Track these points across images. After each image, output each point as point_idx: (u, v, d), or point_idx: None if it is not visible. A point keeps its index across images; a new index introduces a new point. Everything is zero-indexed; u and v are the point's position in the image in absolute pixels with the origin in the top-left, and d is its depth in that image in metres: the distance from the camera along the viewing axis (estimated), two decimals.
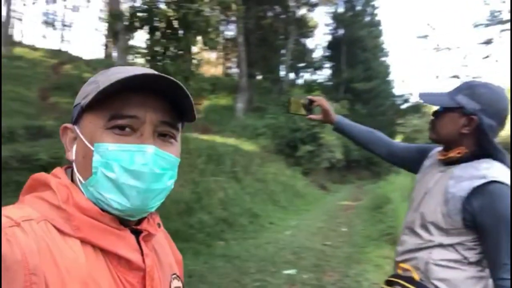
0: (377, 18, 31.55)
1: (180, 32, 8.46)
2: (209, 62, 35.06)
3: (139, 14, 8.04)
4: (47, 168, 6.15)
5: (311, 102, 1.94)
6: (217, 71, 34.36)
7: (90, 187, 0.68)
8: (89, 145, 0.68)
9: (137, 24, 8.34)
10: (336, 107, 17.81)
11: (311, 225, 9.47)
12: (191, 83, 8.47)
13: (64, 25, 32.50)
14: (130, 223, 0.73)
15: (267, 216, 9.82)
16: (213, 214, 8.35)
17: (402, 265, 1.57)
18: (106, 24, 13.24)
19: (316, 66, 31.75)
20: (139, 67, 0.74)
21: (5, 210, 0.62)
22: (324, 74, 33.04)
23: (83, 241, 0.65)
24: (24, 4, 32.90)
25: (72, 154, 0.73)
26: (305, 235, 8.31)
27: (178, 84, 0.68)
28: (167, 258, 0.83)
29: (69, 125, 0.74)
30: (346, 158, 19.76)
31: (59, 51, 26.69)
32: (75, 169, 0.72)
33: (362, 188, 19.39)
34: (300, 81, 29.05)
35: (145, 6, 8.20)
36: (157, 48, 8.31)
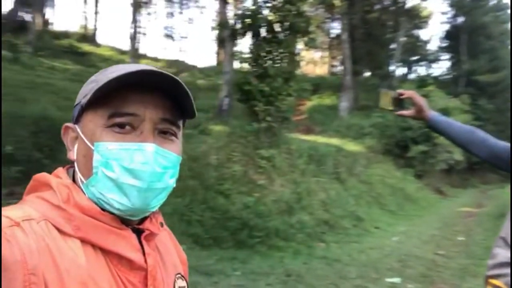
0: (503, 1, 27.66)
1: (282, 34, 8.60)
2: (314, 61, 34.90)
3: (243, 20, 8.40)
4: None
5: (401, 96, 1.78)
6: (323, 70, 34.01)
7: (91, 187, 0.68)
8: (89, 144, 0.67)
9: (241, 30, 8.72)
10: (456, 102, 16.13)
11: (422, 232, 8.72)
12: (292, 84, 8.54)
13: (181, 37, 35.73)
14: (132, 223, 0.72)
15: (372, 220, 9.35)
16: (314, 215, 8.27)
17: (492, 281, 1.35)
18: (216, 33, 14.10)
19: (431, 59, 29.18)
20: (139, 64, 0.72)
21: (6, 210, 0.62)
22: (440, 67, 30.18)
23: (84, 241, 0.64)
24: (149, 20, 37.04)
25: (73, 154, 0.72)
26: (414, 242, 7.69)
27: (177, 80, 0.67)
28: (171, 258, 0.82)
29: (70, 124, 0.73)
30: (467, 159, 17.71)
31: (177, 61, 29.39)
32: (76, 169, 0.71)
33: (487, 193, 17.20)
34: (412, 76, 27.05)
35: (249, 13, 8.53)
36: (259, 52, 8.57)
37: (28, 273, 0.56)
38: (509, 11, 26.42)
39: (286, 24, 7.94)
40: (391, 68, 22.99)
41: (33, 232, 0.59)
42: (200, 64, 28.77)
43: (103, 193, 0.66)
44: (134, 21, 22.70)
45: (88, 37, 26.95)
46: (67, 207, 0.65)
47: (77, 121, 0.71)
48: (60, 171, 0.72)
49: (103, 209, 0.68)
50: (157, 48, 57.25)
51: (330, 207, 8.86)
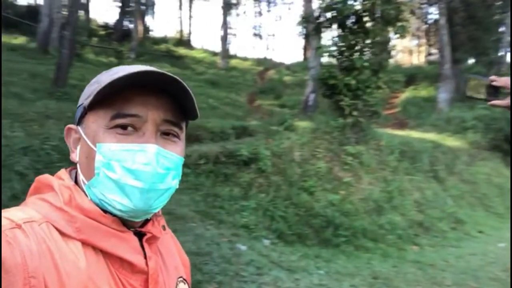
0: None
1: (369, 24, 8.17)
2: (409, 50, 32.63)
3: (327, 13, 8.18)
4: (248, 162, 7.00)
5: (492, 83, 1.54)
6: (419, 59, 31.64)
7: (93, 188, 0.67)
8: (91, 145, 0.67)
9: (325, 23, 8.50)
10: None
11: None
12: (381, 75, 8.07)
13: (269, 35, 36.31)
14: (134, 225, 0.72)
15: (474, 223, 8.43)
16: (407, 216, 7.74)
17: None
18: (301, 28, 14.00)
19: None
20: (141, 65, 0.71)
21: (7, 212, 0.62)
22: None
23: (85, 244, 0.64)
24: (238, 21, 38.26)
25: (76, 155, 0.72)
26: None
27: (178, 81, 0.67)
28: (173, 261, 0.81)
29: (73, 126, 0.74)
30: None
31: (265, 59, 29.92)
32: (79, 170, 0.71)
33: None
34: None
35: (334, 4, 8.27)
36: (345, 44, 8.26)
37: (28, 276, 0.56)
38: None
39: (374, 12, 7.52)
40: (499, 54, 20.42)
41: (34, 234, 0.59)
42: (288, 61, 28.82)
43: (105, 194, 0.66)
44: (224, 23, 23.65)
45: (184, 41, 28.81)
46: (68, 208, 0.65)
47: (79, 122, 0.72)
48: (63, 172, 0.72)
49: (105, 211, 0.67)
50: (247, 47, 59.15)
51: (425, 207, 8.20)
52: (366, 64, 7.90)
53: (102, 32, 24.88)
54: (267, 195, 6.68)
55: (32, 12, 18.17)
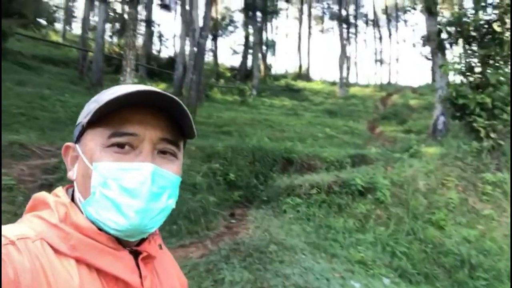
0: None
1: (503, 35, 7.13)
2: None
3: (448, 29, 7.44)
4: (364, 192, 6.58)
5: None
6: None
7: (88, 207, 0.67)
8: (88, 164, 0.68)
9: (450, 39, 7.74)
10: None
11: None
12: None
13: (391, 60, 34.76)
14: (130, 244, 0.70)
15: None
16: None
17: None
18: (423, 47, 13.00)
19: None
20: (141, 85, 0.71)
21: (2, 228, 0.62)
22: None
23: (79, 261, 0.63)
24: (356, 49, 37.67)
25: (73, 174, 0.72)
26: None
27: (175, 100, 0.67)
28: (170, 281, 0.79)
29: (71, 144, 0.74)
30: None
31: (388, 84, 28.57)
32: (75, 188, 0.71)
33: None
34: None
35: (458, 18, 7.50)
36: (475, 59, 7.34)
37: None
38: None
39: (508, 21, 6.52)
40: None
41: (27, 251, 0.59)
42: (415, 84, 26.91)
43: (100, 213, 0.66)
44: (342, 52, 23.56)
45: (302, 75, 29.57)
46: (64, 225, 0.65)
47: (78, 140, 0.72)
48: (59, 190, 0.72)
49: (100, 229, 0.67)
50: (368, 74, 57.50)
51: None
52: (502, 79, 6.83)
53: (228, 74, 27.25)
54: (387, 228, 6.11)
55: (172, 62, 20.96)
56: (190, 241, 5.00)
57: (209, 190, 6.39)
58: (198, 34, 12.04)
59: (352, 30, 28.71)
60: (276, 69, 33.60)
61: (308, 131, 13.70)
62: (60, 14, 25.48)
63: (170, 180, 0.70)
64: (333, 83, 26.34)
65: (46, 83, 12.76)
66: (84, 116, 0.71)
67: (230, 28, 28.11)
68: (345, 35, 25.77)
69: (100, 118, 0.67)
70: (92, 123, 0.68)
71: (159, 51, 28.49)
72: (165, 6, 22.06)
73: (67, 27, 26.46)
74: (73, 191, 0.73)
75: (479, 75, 7.31)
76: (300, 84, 25.75)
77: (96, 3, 16.52)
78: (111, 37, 22.84)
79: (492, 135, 7.17)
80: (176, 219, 5.25)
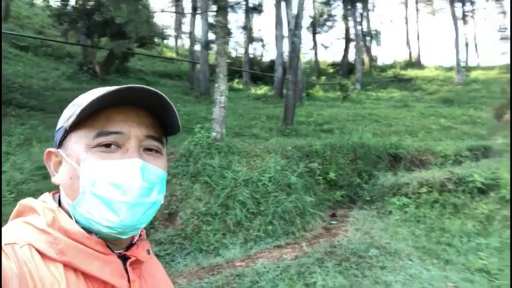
0: None
1: None
2: None
3: None
4: (485, 190, 5.69)
5: None
6: None
7: (78, 208, 0.67)
8: (75, 165, 0.67)
9: None
10: None
11: None
12: None
13: None
14: (119, 244, 0.72)
15: None
16: None
17: None
18: None
19: None
20: (121, 86, 0.68)
21: None
22: None
23: (67, 266, 0.63)
24: (476, 28, 33.31)
25: (58, 178, 0.72)
26: None
27: (159, 94, 0.67)
28: (158, 287, 0.79)
29: (52, 149, 0.73)
30: None
31: None
32: (62, 192, 0.71)
33: None
34: None
35: None
36: None
37: None
38: None
39: None
40: None
41: (15, 256, 0.59)
42: None
43: (92, 212, 0.66)
44: (457, 33, 21.07)
45: (413, 63, 27.31)
46: (51, 230, 0.64)
47: (60, 145, 0.72)
48: (46, 195, 0.72)
49: (91, 231, 0.67)
50: (493, 55, 49.93)
51: None
52: None
53: (331, 70, 26.62)
54: None
55: (273, 65, 21.33)
56: (286, 242, 4.91)
57: (306, 190, 6.22)
58: (292, 32, 11.95)
59: (468, 7, 25.40)
60: (383, 60, 31.69)
61: (419, 124, 12.51)
62: (171, 31, 28.01)
63: (158, 175, 0.70)
64: (450, 69, 23.69)
65: None
66: (65, 120, 0.71)
67: (329, 23, 27.36)
68: (459, 14, 22.98)
69: (83, 120, 0.67)
70: (75, 126, 0.68)
71: (261, 56, 29.26)
72: (254, 9, 22.53)
73: (179, 43, 28.96)
74: (59, 196, 0.74)
75: None
76: (411, 72, 23.78)
77: (198, 16, 17.67)
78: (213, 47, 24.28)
79: None
80: (272, 219, 5.22)
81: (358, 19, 23.78)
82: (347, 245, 4.54)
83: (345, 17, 24.83)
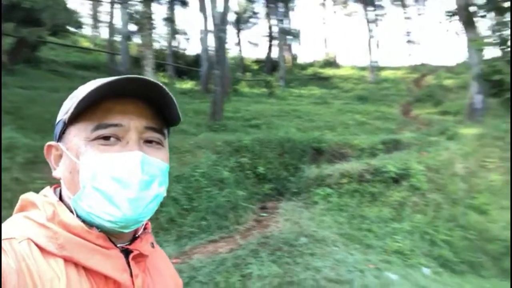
0: None
1: None
2: None
3: (478, 2, 6.96)
4: (398, 179, 6.31)
5: None
6: None
7: (80, 202, 0.66)
8: (75, 159, 0.66)
9: (480, 11, 7.25)
10: None
11: None
12: None
13: (422, 39, 33.31)
14: (121, 239, 0.70)
15: None
16: None
17: None
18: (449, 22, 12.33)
19: None
20: (120, 76, 0.68)
21: None
22: None
23: (67, 261, 0.62)
24: (384, 31, 36.39)
25: (59, 172, 0.71)
26: None
27: (157, 84, 0.66)
28: (163, 281, 0.78)
29: (53, 143, 0.73)
30: None
31: (421, 65, 27.41)
32: (63, 186, 0.70)
33: None
34: None
35: None
36: (507, 32, 6.84)
37: None
38: None
39: None
40: None
41: (13, 251, 0.58)
42: (450, 63, 25.61)
43: (93, 206, 0.65)
44: (370, 35, 22.83)
45: (330, 62, 28.92)
46: (51, 224, 0.64)
47: (60, 138, 0.71)
48: (47, 190, 0.72)
49: (93, 225, 0.66)
50: (400, 56, 55.30)
51: None
52: None
53: (255, 67, 27.11)
54: (425, 215, 5.82)
55: (198, 59, 21.09)
56: (220, 236, 4.97)
57: (237, 185, 6.33)
58: (218, 28, 11.95)
59: (379, 11, 27.66)
60: (303, 58, 33.12)
61: (338, 119, 13.38)
62: (88, 20, 26.27)
63: (159, 167, 0.69)
64: (363, 68, 25.59)
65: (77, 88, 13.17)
66: (64, 113, 0.70)
67: (253, 20, 27.86)
68: (371, 17, 24.92)
69: (82, 113, 0.66)
70: (74, 118, 0.67)
71: (185, 49, 28.76)
72: (182, 3, 22.12)
73: (96, 32, 27.22)
74: (60, 190, 0.73)
75: None
76: (329, 71, 25.21)
77: (117, 6, 16.80)
78: (134, 38, 23.23)
79: None
80: (205, 215, 5.23)
81: (280, 18, 24.53)
82: (278, 235, 4.73)
83: (267, 15, 25.45)
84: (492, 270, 5.19)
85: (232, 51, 27.24)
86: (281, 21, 24.39)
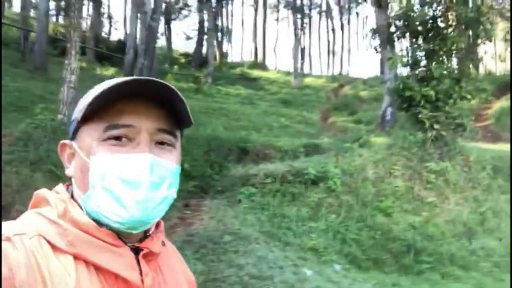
0: None
1: (447, 30, 7.51)
2: (502, 57, 29.54)
3: (397, 23, 7.72)
4: (317, 181, 6.72)
5: None
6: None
7: (89, 201, 0.67)
8: (86, 158, 0.68)
9: (398, 33, 8.03)
10: None
11: None
12: (464, 84, 7.30)
13: (343, 51, 35.71)
14: (131, 238, 0.71)
15: None
16: (505, 241, 6.74)
17: None
18: (372, 40, 13.48)
19: None
20: (133, 77, 0.69)
21: (1, 225, 0.63)
22: None
23: (77, 258, 0.63)
24: (310, 40, 38.28)
25: (71, 170, 0.72)
26: None
27: (169, 87, 0.66)
28: (175, 278, 0.78)
29: (67, 141, 0.74)
30: None
31: (340, 75, 29.33)
32: (74, 185, 0.72)
33: None
34: None
35: (404, 13, 7.78)
36: (421, 53, 7.68)
37: None
38: None
39: (451, 17, 6.87)
40: None
41: (23, 246, 0.59)
42: (366, 76, 27.83)
43: (102, 206, 0.66)
44: (296, 42, 23.80)
45: (258, 64, 29.54)
46: (62, 221, 0.65)
47: (73, 137, 0.72)
48: (59, 187, 0.73)
49: (102, 224, 0.67)
50: (322, 65, 58.76)
51: None
52: (445, 72, 7.22)
53: (183, 60, 26.61)
54: (338, 216, 6.30)
55: (122, 45, 20.09)
56: None
57: None
58: (150, 16, 11.55)
59: (306, 20, 29.05)
60: (232, 57, 33.32)
61: (263, 121, 13.76)
62: None
63: (169, 169, 0.70)
64: (288, 73, 26.60)
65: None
66: (78, 112, 0.70)
67: (184, 12, 27.38)
68: (299, 25, 26.01)
69: (94, 112, 0.66)
70: (87, 118, 0.67)
71: (108, 34, 27.19)
72: None
73: (6, 4, 24.45)
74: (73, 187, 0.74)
75: (424, 68, 7.67)
76: (256, 73, 25.74)
77: None
78: (56, 16, 21.39)
79: (436, 126, 7.57)
80: None
81: (212, 14, 24.41)
82: (203, 233, 4.78)
83: (200, 9, 25.16)
84: (394, 267, 5.80)
85: (159, 42, 26.41)
86: (213, 17, 24.27)
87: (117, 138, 0.67)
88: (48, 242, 0.62)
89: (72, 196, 0.71)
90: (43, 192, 0.71)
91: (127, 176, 0.65)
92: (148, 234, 0.74)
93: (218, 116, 12.68)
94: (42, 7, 14.00)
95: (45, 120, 5.86)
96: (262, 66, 28.86)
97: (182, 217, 5.74)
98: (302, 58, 27.44)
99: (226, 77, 23.13)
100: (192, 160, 7.84)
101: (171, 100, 0.68)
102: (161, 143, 0.70)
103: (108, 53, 20.54)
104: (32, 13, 17.96)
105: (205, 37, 25.20)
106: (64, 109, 6.19)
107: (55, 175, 5.09)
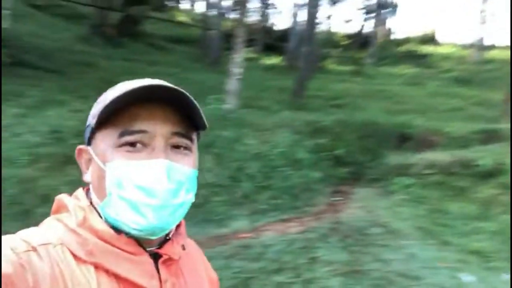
0: None
1: None
2: None
3: None
4: (488, 175, 5.79)
5: None
6: None
7: (107, 209, 0.66)
8: (101, 165, 0.67)
9: None
10: None
11: None
12: None
13: None
14: (151, 244, 0.70)
15: None
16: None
17: None
18: None
19: None
20: (148, 79, 0.69)
21: (24, 232, 0.64)
22: None
23: (97, 267, 0.63)
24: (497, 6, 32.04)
25: (88, 176, 0.72)
26: None
27: (182, 92, 0.64)
28: (198, 280, 0.78)
29: (83, 146, 0.73)
30: None
31: None
32: (91, 191, 0.71)
33: None
34: None
35: None
36: None
37: None
38: None
39: None
40: None
41: (48, 257, 0.60)
42: None
43: (119, 214, 0.65)
44: (478, 9, 20.37)
45: (429, 39, 26.63)
46: (81, 230, 0.65)
47: (89, 143, 0.71)
48: (79, 192, 0.72)
49: (121, 231, 0.67)
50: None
51: None
52: None
53: (345, 42, 26.10)
54: None
55: (287, 34, 20.94)
56: (291, 216, 5.11)
57: (313, 166, 6.38)
58: (309, 2, 11.72)
59: None
60: (398, 34, 30.92)
61: (431, 103, 12.46)
62: None
63: (186, 174, 0.68)
64: (466, 46, 23.14)
65: (173, 62, 14.07)
66: (92, 117, 0.70)
67: None
68: None
69: (108, 118, 0.66)
70: (101, 124, 0.67)
71: (274, 25, 28.68)
72: None
73: (194, 7, 28.40)
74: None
75: None
76: (426, 49, 23.29)
77: None
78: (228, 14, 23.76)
79: None
80: (279, 194, 5.41)
81: None
82: (350, 222, 4.74)
83: None
84: None
85: (323, 26, 26.51)
86: None
87: (132, 144, 0.66)
88: (70, 251, 0.63)
89: (91, 202, 0.71)
90: (63, 197, 0.71)
91: (143, 183, 0.64)
92: (168, 237, 0.73)
93: (377, 100, 12.08)
94: (217, 7, 15.77)
95: (216, 109, 6.68)
96: (433, 41, 25.87)
97: (331, 203, 5.79)
98: (487, 28, 23.38)
99: (391, 56, 21.68)
100: (346, 146, 7.74)
101: (185, 104, 0.66)
102: (177, 146, 0.68)
103: (275, 43, 21.74)
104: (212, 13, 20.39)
105: (367, 15, 24.03)
106: (232, 99, 6.92)
107: (221, 158, 5.78)
